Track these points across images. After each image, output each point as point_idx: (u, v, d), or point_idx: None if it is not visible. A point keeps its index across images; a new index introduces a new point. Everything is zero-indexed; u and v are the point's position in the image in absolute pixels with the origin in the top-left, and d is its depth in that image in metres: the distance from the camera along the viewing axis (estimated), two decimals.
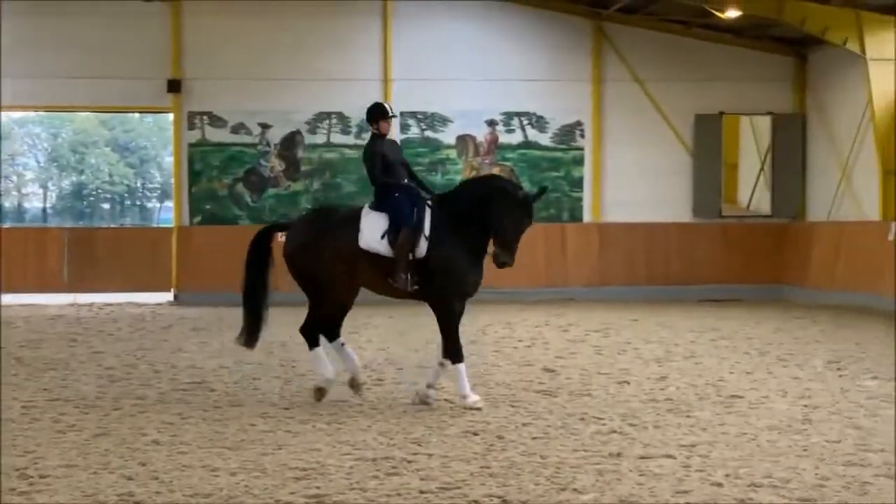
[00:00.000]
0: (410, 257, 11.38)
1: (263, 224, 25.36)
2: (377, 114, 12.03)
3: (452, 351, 11.30)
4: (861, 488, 7.67)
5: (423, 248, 11.40)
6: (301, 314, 12.05)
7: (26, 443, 9.35)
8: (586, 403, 11.31)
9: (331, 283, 11.63)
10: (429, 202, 11.65)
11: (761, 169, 28.06)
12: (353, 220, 11.67)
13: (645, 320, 20.56)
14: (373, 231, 11.50)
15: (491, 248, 11.40)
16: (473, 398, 11.08)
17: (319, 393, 11.50)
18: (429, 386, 11.45)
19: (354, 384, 11.67)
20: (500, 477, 8.08)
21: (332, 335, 11.83)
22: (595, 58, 26.71)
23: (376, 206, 11.75)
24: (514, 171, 26.22)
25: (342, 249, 11.51)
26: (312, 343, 11.76)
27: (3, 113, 34.39)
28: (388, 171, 11.87)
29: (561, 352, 15.82)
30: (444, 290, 11.43)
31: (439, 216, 11.52)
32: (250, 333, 12.14)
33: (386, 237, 11.43)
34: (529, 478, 8.04)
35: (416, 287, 11.44)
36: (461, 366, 11.23)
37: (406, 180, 11.93)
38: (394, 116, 12.27)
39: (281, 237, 12.58)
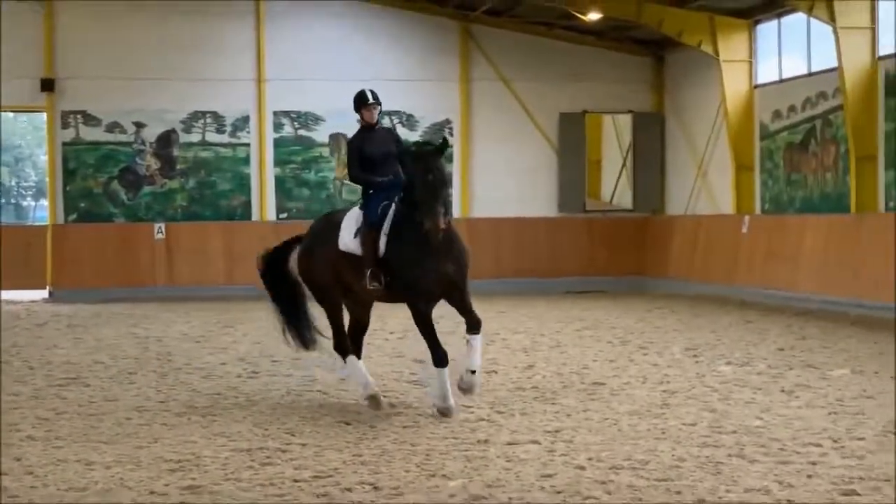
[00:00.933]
0: (380, 255, 10.40)
1: (139, 221, 25.31)
2: (359, 102, 10.93)
3: (431, 353, 10.32)
4: (715, 468, 7.84)
5: (382, 245, 10.40)
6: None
7: None
8: (455, 392, 11.33)
9: (328, 289, 10.96)
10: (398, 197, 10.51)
11: (623, 165, 28.47)
12: (340, 222, 10.88)
13: (512, 312, 20.73)
14: (349, 231, 10.66)
15: None
16: (450, 403, 10.08)
17: (375, 401, 10.48)
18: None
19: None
20: (372, 464, 8.10)
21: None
22: (463, 58, 26.85)
23: (361, 205, 10.81)
24: None
25: (328, 253, 10.79)
26: (343, 353, 10.97)
27: None
28: (364, 165, 10.71)
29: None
30: (404, 289, 10.42)
31: (400, 210, 10.39)
32: (303, 338, 11.38)
33: (358, 236, 10.58)
34: (400, 465, 8.08)
35: (375, 285, 10.33)
36: (442, 371, 10.14)
37: (394, 173, 10.75)
38: (375, 103, 10.90)
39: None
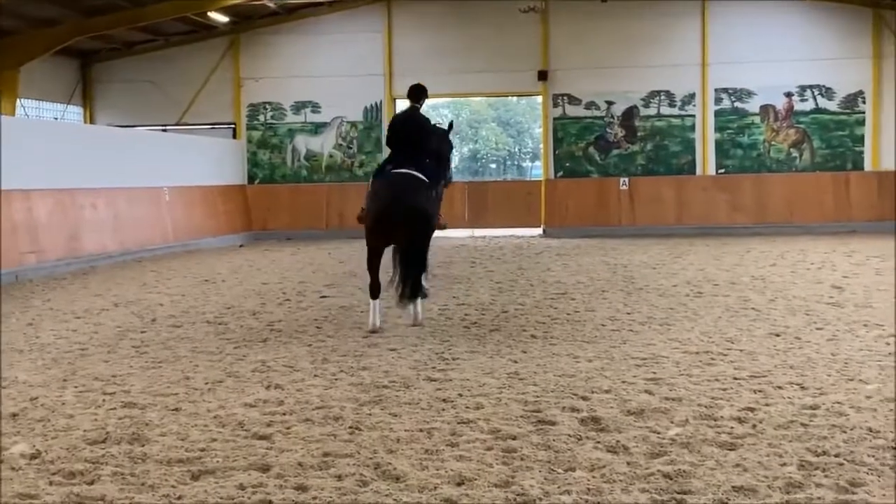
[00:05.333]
0: None
1: (608, 176, 25.49)
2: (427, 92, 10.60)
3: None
4: None
5: None
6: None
7: (442, 335, 9.67)
8: (869, 313, 10.54)
9: None
10: None
11: None
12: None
13: None
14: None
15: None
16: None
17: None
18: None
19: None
20: (798, 369, 7.66)
21: None
22: (875, 38, 24.71)
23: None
24: (807, 132, 25.03)
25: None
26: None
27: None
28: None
29: (846, 272, 14.84)
30: None
31: None
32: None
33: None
34: (822, 370, 7.58)
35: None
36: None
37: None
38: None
39: None
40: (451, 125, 11.20)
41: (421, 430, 5.95)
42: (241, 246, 23.74)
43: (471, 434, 5.85)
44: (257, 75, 26.68)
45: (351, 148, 26.63)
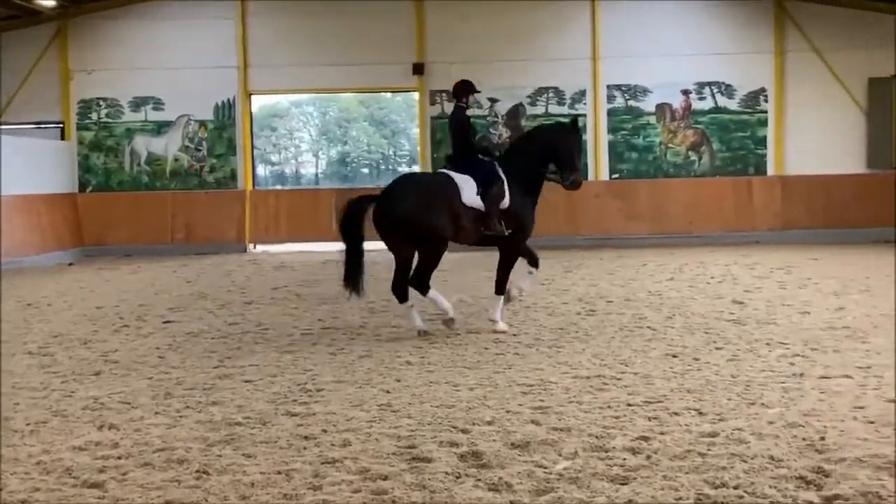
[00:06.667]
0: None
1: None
2: (472, 90, 12.01)
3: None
4: None
5: (507, 200, 11.45)
6: None
7: (305, 363, 9.67)
8: (771, 331, 10.96)
9: (443, 236, 11.27)
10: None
11: None
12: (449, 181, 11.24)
13: (824, 259, 19.77)
14: (471, 190, 11.23)
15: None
16: (502, 326, 11.41)
17: (452, 323, 11.42)
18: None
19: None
20: (697, 392, 7.92)
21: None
22: (777, 32, 25.70)
23: (463, 169, 11.43)
24: (706, 133, 25.83)
25: (452, 206, 11.14)
26: (426, 289, 11.49)
27: (283, 96, 35.20)
28: (473, 138, 11.87)
29: (748, 286, 15.38)
30: (522, 230, 11.83)
31: (519, 170, 11.76)
32: (360, 286, 11.77)
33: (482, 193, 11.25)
34: (722, 394, 7.85)
35: (499, 230, 11.41)
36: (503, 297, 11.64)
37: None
38: (478, 92, 12.41)
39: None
40: (573, 121, 12.13)
41: (279, 473, 5.92)
42: (70, 264, 23.14)
43: (336, 475, 5.85)
44: (90, 67, 26.11)
45: (199, 150, 26.27)
